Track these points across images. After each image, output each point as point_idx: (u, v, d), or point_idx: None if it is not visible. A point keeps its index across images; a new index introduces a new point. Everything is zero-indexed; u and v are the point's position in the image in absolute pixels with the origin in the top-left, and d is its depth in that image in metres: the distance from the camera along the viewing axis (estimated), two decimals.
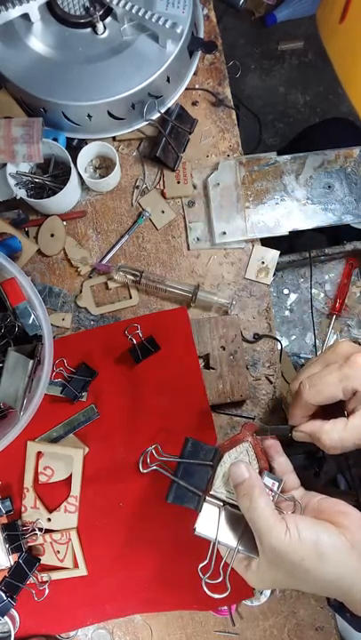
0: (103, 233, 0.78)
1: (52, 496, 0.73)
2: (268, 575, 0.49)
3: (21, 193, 0.73)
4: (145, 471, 0.54)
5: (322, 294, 0.91)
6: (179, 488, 0.53)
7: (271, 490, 0.51)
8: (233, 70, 0.81)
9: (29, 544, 0.72)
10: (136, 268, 0.75)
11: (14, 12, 0.69)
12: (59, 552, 0.72)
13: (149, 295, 0.76)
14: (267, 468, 0.53)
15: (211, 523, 0.51)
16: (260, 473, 0.52)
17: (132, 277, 0.74)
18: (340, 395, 0.51)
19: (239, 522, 0.51)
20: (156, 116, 0.76)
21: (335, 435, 0.51)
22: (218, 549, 0.51)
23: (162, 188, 0.78)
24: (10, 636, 0.70)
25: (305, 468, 0.73)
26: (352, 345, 0.53)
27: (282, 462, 0.56)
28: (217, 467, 0.53)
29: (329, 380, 0.51)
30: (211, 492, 0.52)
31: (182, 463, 0.54)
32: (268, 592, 0.72)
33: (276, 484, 0.52)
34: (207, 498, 0.52)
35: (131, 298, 0.76)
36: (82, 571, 0.72)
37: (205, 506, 0.52)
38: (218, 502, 0.52)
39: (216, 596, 0.49)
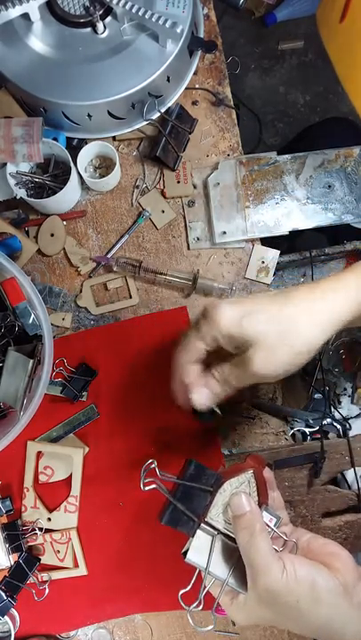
0: (103, 233, 0.78)
1: (52, 496, 0.73)
2: (255, 612, 0.48)
3: (21, 193, 0.73)
4: (147, 489, 0.51)
5: None
6: (175, 510, 0.51)
7: (268, 525, 0.49)
8: (232, 67, 0.81)
9: (29, 544, 0.72)
10: (135, 259, 0.75)
11: (14, 12, 0.69)
12: (59, 552, 0.72)
13: (149, 284, 0.76)
14: (266, 502, 0.52)
15: (202, 551, 0.50)
16: (260, 507, 0.50)
17: (130, 269, 0.74)
18: (203, 347, 0.53)
19: (232, 554, 0.49)
20: (156, 115, 0.76)
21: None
22: (199, 575, 0.50)
23: (162, 187, 0.78)
24: (10, 635, 0.70)
25: (304, 468, 0.73)
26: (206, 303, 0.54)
27: (275, 497, 0.55)
28: (216, 493, 0.51)
29: (191, 340, 0.53)
30: (206, 519, 0.50)
31: (181, 485, 0.51)
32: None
33: (274, 520, 0.50)
34: (202, 525, 0.50)
35: (131, 298, 0.76)
36: (82, 570, 0.72)
37: (199, 533, 0.50)
38: (212, 531, 0.51)
39: (201, 629, 0.48)
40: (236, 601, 0.49)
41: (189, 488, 0.51)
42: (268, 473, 0.55)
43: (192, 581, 0.50)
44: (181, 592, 0.49)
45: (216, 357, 0.54)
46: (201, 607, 0.49)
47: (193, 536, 0.50)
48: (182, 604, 0.49)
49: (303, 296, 0.51)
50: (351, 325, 0.51)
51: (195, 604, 0.49)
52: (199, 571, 0.51)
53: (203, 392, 0.54)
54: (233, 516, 0.49)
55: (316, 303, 0.50)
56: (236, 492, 0.49)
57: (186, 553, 0.50)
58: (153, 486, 0.51)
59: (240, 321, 0.50)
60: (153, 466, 0.51)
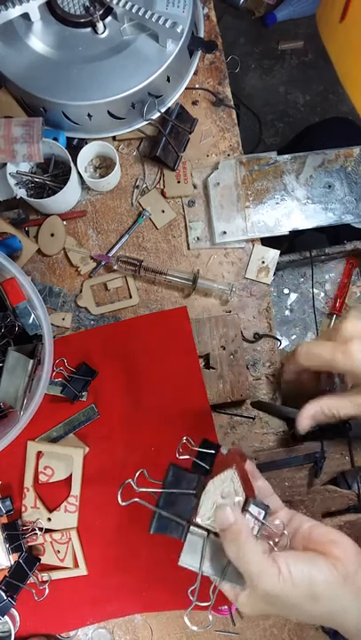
0: (103, 232, 0.78)
1: (52, 496, 0.73)
2: (259, 607, 0.48)
3: (21, 192, 0.73)
4: (124, 504, 0.51)
5: (322, 294, 0.91)
6: (161, 518, 0.51)
7: (257, 519, 0.49)
8: (232, 66, 0.81)
9: (29, 544, 0.72)
10: (135, 258, 0.75)
11: (14, 12, 0.69)
12: (59, 552, 0.72)
13: (149, 284, 0.76)
14: (253, 494, 0.51)
15: (195, 552, 0.50)
16: (246, 501, 0.50)
17: (131, 268, 0.74)
18: (324, 367, 0.56)
19: (224, 552, 0.49)
20: (156, 115, 0.76)
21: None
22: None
23: (162, 187, 0.78)
24: (10, 635, 0.70)
25: (304, 468, 0.73)
26: (356, 328, 0.55)
27: (261, 486, 0.55)
28: (201, 495, 0.51)
29: (320, 351, 0.56)
30: (195, 521, 0.50)
31: (164, 492, 0.51)
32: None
33: (263, 512, 0.50)
34: (192, 527, 0.50)
35: (131, 298, 0.76)
36: (82, 570, 0.72)
37: (190, 536, 0.50)
38: (202, 532, 0.51)
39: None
40: (240, 597, 0.49)
41: (172, 493, 0.51)
42: (249, 466, 0.55)
43: (198, 579, 0.50)
44: (190, 589, 0.49)
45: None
46: (211, 603, 0.49)
47: (184, 539, 0.50)
48: (191, 598, 0.49)
49: None
50: None
51: (207, 604, 0.49)
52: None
53: (307, 423, 0.59)
54: (219, 530, 0.48)
55: None
56: (220, 506, 0.49)
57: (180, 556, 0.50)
58: (132, 500, 0.51)
59: None
60: (128, 481, 0.52)
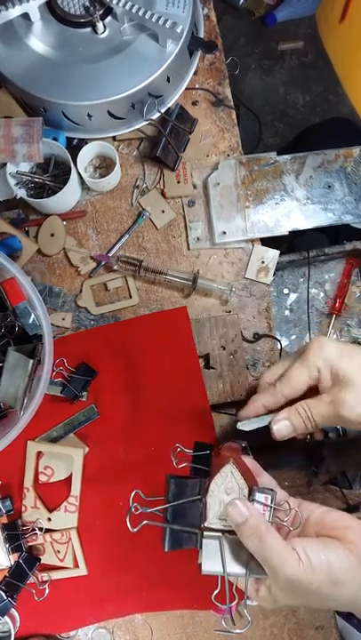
0: (103, 233, 0.78)
1: (52, 496, 0.73)
2: (280, 599, 0.48)
3: (21, 192, 0.73)
4: (134, 530, 0.50)
5: (322, 294, 0.91)
6: (173, 533, 0.50)
7: (266, 505, 0.49)
8: (232, 67, 0.81)
9: (29, 544, 0.72)
10: (135, 258, 0.75)
11: (14, 12, 0.69)
12: (59, 552, 0.72)
13: (149, 284, 0.77)
14: (255, 483, 0.51)
15: (214, 557, 0.49)
16: (251, 491, 0.50)
17: (131, 268, 0.74)
18: (307, 380, 0.55)
19: (242, 547, 0.49)
20: (156, 115, 0.76)
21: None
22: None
23: (162, 187, 0.78)
24: (10, 635, 0.70)
25: (304, 467, 0.73)
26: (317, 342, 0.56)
27: (265, 481, 0.55)
28: (206, 498, 0.50)
29: (296, 371, 0.56)
30: (206, 526, 0.50)
31: (170, 506, 0.50)
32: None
33: (269, 497, 0.49)
34: (204, 533, 0.50)
35: (131, 298, 0.76)
36: (82, 570, 0.72)
37: (205, 541, 0.49)
38: (216, 534, 0.50)
39: (237, 631, 0.48)
40: (260, 591, 0.49)
41: (178, 505, 0.50)
42: (250, 463, 0.55)
43: (226, 583, 0.49)
44: (214, 594, 0.48)
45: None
46: (235, 602, 0.49)
47: (201, 547, 0.49)
48: (218, 604, 0.48)
49: None
50: None
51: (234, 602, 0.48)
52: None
53: (284, 424, 0.56)
54: (235, 526, 0.48)
55: None
56: (231, 502, 0.48)
57: (201, 565, 0.50)
58: (143, 524, 0.50)
59: (340, 357, 0.53)
60: (135, 504, 0.51)
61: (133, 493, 0.51)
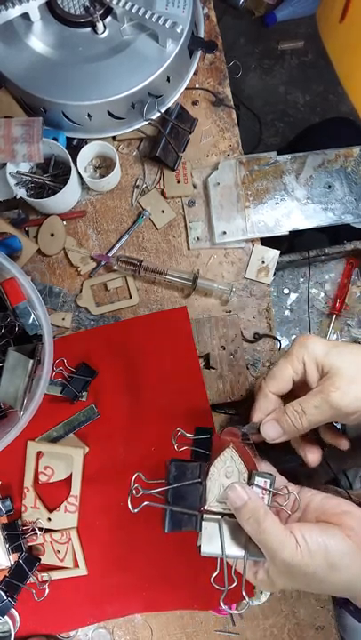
0: (103, 233, 0.78)
1: (52, 496, 0.73)
2: (279, 582, 0.49)
3: (21, 192, 0.73)
4: (135, 511, 0.50)
5: (322, 294, 0.91)
6: (173, 514, 0.51)
7: (265, 489, 0.50)
8: (233, 70, 0.81)
9: (29, 544, 0.72)
10: (135, 258, 0.75)
11: (14, 12, 0.69)
12: (59, 552, 0.72)
13: (149, 284, 0.76)
14: (254, 467, 0.52)
15: (214, 539, 0.50)
16: (250, 475, 0.50)
17: (131, 268, 0.74)
18: (291, 373, 0.55)
19: (241, 530, 0.50)
20: (156, 115, 0.76)
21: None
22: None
23: (162, 187, 0.78)
24: (10, 635, 0.70)
25: (304, 467, 0.73)
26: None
27: (264, 468, 0.56)
28: (205, 481, 0.51)
29: (280, 365, 0.56)
30: (205, 508, 0.51)
31: (171, 488, 0.51)
32: (268, 592, 0.72)
33: (268, 481, 0.50)
34: (204, 516, 0.51)
35: (131, 298, 0.76)
36: (82, 570, 0.72)
37: (204, 524, 0.51)
38: (215, 516, 0.51)
39: (232, 611, 0.48)
40: (258, 574, 0.50)
41: (179, 487, 0.51)
42: (250, 451, 0.55)
43: (218, 564, 0.50)
44: (213, 576, 0.49)
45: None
46: (234, 585, 0.49)
47: (200, 529, 0.50)
48: (217, 587, 0.49)
49: None
50: None
51: (232, 586, 0.49)
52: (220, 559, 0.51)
53: (273, 426, 0.55)
54: (234, 509, 0.49)
55: None
56: (230, 486, 0.49)
57: (200, 547, 0.51)
58: (144, 504, 0.50)
59: (326, 352, 0.53)
60: (136, 485, 0.51)
61: (135, 475, 0.51)
